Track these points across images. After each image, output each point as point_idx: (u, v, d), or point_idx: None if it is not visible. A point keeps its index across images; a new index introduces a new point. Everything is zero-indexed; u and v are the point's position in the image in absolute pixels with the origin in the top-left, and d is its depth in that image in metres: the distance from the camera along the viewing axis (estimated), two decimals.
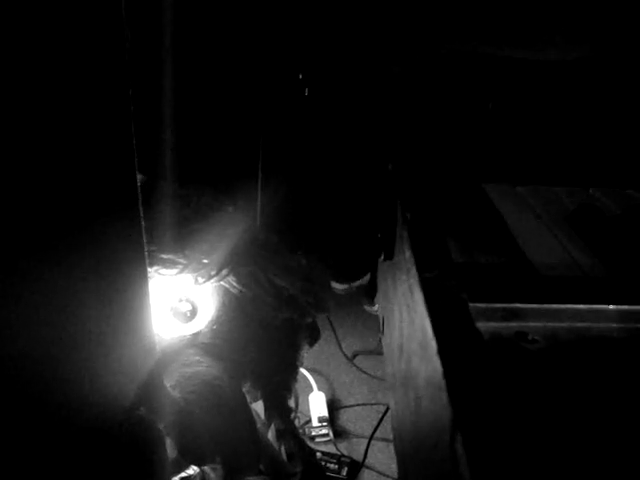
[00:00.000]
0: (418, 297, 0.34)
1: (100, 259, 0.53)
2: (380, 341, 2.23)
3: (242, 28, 1.17)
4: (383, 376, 2.12)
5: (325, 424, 1.79)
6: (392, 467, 1.78)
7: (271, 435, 1.04)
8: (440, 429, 0.26)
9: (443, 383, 0.26)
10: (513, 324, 0.33)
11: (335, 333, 2.21)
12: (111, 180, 0.54)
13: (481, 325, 0.32)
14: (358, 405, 1.99)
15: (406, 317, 0.39)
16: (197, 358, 0.96)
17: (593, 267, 0.40)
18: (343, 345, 2.20)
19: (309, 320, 1.14)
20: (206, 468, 0.85)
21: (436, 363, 0.28)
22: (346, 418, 1.94)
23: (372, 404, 2.00)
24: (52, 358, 0.52)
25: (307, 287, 1.13)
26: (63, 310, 0.52)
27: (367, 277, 2.51)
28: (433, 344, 0.29)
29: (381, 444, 1.84)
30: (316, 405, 1.84)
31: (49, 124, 0.44)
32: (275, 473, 1.00)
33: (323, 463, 1.66)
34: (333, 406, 1.95)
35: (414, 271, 0.36)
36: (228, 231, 1.09)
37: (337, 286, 2.36)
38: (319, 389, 1.93)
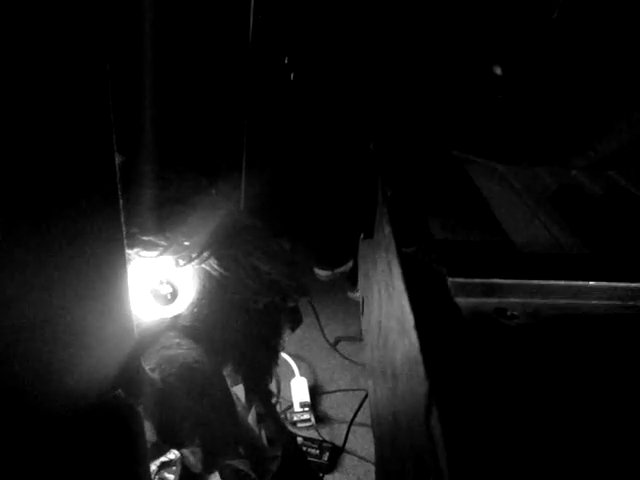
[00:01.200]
0: (396, 273, 0.33)
1: (78, 240, 0.52)
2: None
3: (228, 12, 1.15)
4: (365, 362, 2.12)
5: (307, 409, 1.80)
6: (372, 451, 1.79)
7: (251, 419, 1.03)
8: (416, 404, 0.26)
9: (420, 357, 0.26)
10: (493, 300, 0.32)
11: (318, 319, 2.21)
12: (89, 161, 0.53)
13: (460, 300, 0.31)
14: (340, 391, 1.99)
15: (384, 294, 0.38)
16: (177, 341, 0.96)
17: (574, 246, 0.39)
18: (326, 331, 2.20)
19: (291, 304, 1.13)
20: (185, 451, 0.84)
21: (413, 337, 0.27)
22: (328, 404, 1.94)
23: (354, 390, 2.00)
24: (28, 341, 0.51)
25: (289, 271, 1.12)
26: (40, 292, 0.51)
27: (350, 264, 2.52)
28: (410, 318, 0.28)
29: (362, 429, 1.84)
30: (298, 390, 1.84)
31: (24, 106, 0.43)
32: (255, 457, 0.99)
33: (305, 448, 1.66)
34: (315, 392, 1.95)
35: (393, 247, 0.35)
36: (210, 214, 1.08)
37: (320, 272, 2.36)
38: (301, 374, 1.93)
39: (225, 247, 1.05)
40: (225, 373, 1.02)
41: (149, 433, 0.83)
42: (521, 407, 0.25)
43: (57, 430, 0.60)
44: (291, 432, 1.22)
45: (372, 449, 1.66)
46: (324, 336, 2.19)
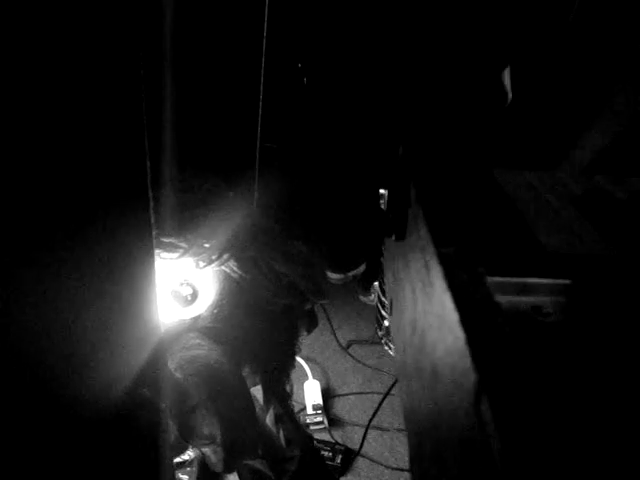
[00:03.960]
0: (436, 272, 0.34)
1: (111, 246, 0.53)
2: (376, 330, 2.24)
3: (241, 17, 1.16)
4: (377, 365, 2.13)
5: (320, 412, 1.80)
6: (385, 455, 1.80)
7: (269, 420, 1.04)
8: (462, 395, 0.27)
9: (467, 350, 0.27)
10: (528, 298, 0.33)
11: (330, 322, 2.22)
12: (122, 169, 0.54)
13: (498, 298, 0.32)
14: (352, 394, 2.00)
15: (421, 294, 0.39)
16: (197, 341, 0.97)
17: (602, 249, 0.40)
18: (338, 334, 2.21)
19: (308, 307, 1.14)
20: (206, 450, 0.85)
21: (458, 332, 0.28)
22: (340, 407, 1.95)
23: (366, 393, 2.01)
24: (62, 346, 0.52)
25: (307, 273, 1.13)
26: (72, 292, 0.52)
27: (362, 267, 2.52)
28: (454, 315, 0.29)
29: (375, 432, 1.85)
30: (311, 393, 1.85)
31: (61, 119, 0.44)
32: (273, 457, 1.00)
33: None
34: (328, 394, 1.96)
35: (431, 248, 0.36)
36: (229, 216, 1.09)
37: (332, 276, 2.36)
38: (314, 377, 1.94)
39: (244, 249, 1.06)
40: (243, 374, 1.03)
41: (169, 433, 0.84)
42: (563, 395, 0.26)
43: (83, 430, 0.61)
44: (309, 433, 1.23)
45: (384, 452, 1.67)
46: (336, 339, 2.20)
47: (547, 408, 0.23)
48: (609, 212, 0.47)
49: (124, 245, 0.58)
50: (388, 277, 0.58)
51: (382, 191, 1.98)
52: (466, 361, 0.26)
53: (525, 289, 0.33)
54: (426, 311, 0.36)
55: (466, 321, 0.28)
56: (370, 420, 1.10)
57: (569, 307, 0.32)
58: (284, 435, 1.04)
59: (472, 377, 0.25)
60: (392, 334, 0.53)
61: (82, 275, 0.54)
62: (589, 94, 0.66)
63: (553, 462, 0.21)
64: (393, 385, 0.92)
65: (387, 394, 0.97)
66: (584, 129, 0.61)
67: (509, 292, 0.33)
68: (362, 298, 2.45)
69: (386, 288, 0.60)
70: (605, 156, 0.58)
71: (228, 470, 0.88)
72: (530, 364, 0.26)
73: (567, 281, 0.34)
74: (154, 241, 0.66)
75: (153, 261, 0.65)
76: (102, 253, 0.55)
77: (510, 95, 1.10)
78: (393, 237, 0.50)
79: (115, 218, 0.55)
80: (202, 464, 1.15)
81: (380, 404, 1.01)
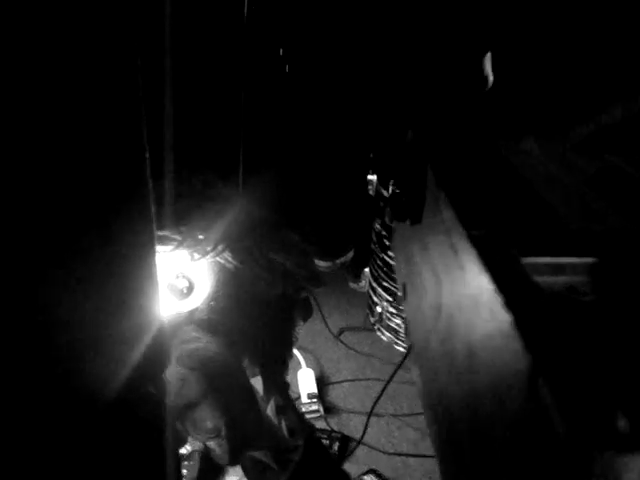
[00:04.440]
0: (467, 255, 0.33)
1: (111, 239, 0.52)
2: (368, 317, 2.24)
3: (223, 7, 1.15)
4: (370, 352, 2.13)
5: (315, 400, 1.80)
6: (382, 441, 1.80)
7: (270, 410, 1.03)
8: (509, 378, 0.26)
9: (515, 333, 0.26)
10: (562, 278, 0.32)
11: (320, 310, 2.21)
12: (123, 163, 0.53)
13: (535, 279, 0.31)
14: (346, 381, 2.00)
15: (446, 277, 0.38)
16: (195, 334, 0.95)
17: (622, 225, 0.39)
18: (329, 322, 2.21)
19: (304, 295, 1.14)
20: (211, 443, 0.84)
21: (502, 315, 0.27)
22: (335, 394, 1.95)
23: (360, 380, 2.01)
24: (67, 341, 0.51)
25: (303, 262, 1.12)
26: (77, 291, 0.51)
27: (350, 254, 2.52)
28: (496, 297, 0.28)
29: (371, 419, 1.85)
30: (305, 382, 1.84)
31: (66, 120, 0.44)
32: (276, 448, 0.99)
33: None
34: (322, 383, 1.96)
35: (459, 230, 0.35)
36: (223, 207, 1.08)
37: (320, 263, 2.35)
38: (307, 366, 1.93)
39: (239, 240, 1.05)
40: (243, 365, 1.02)
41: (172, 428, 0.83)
42: (614, 372, 0.25)
43: (86, 426, 0.60)
44: (310, 423, 1.23)
45: (382, 438, 1.67)
46: (327, 327, 2.20)
47: (602, 388, 0.22)
48: (623, 189, 0.46)
49: (124, 238, 0.57)
50: (399, 262, 0.57)
51: (370, 177, 1.98)
52: (515, 344, 0.25)
53: (559, 269, 0.32)
54: (454, 294, 0.36)
55: (510, 303, 0.27)
56: (372, 407, 1.10)
57: (603, 285, 0.32)
58: (286, 425, 1.03)
59: (525, 360, 0.24)
60: (407, 318, 0.52)
61: (86, 274, 0.53)
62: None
63: (617, 442, 0.21)
64: (395, 371, 0.91)
65: (389, 381, 0.97)
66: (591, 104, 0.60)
67: (543, 272, 0.32)
68: (352, 285, 2.45)
69: (397, 274, 0.59)
70: (611, 133, 0.57)
71: (233, 462, 0.88)
72: (579, 344, 0.25)
73: (597, 259, 0.33)
74: (154, 233, 0.64)
75: (154, 253, 0.63)
76: (102, 245, 0.54)
77: (491, 79, 1.09)
78: (408, 222, 0.49)
79: (116, 212, 0.54)
80: (203, 457, 1.14)
81: (383, 391, 1.01)
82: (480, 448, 0.32)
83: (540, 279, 0.32)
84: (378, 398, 1.05)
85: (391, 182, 1.78)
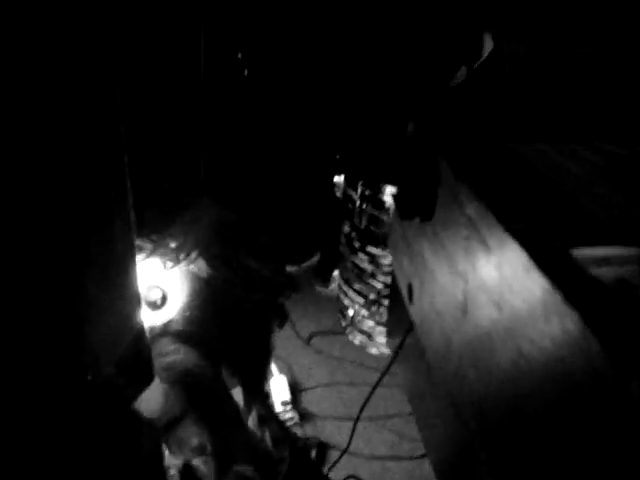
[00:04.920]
0: (508, 250, 0.30)
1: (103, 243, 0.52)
2: (339, 320, 2.22)
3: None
4: (341, 355, 2.11)
5: (289, 408, 1.77)
6: (360, 445, 1.78)
7: (252, 422, 0.99)
8: (576, 380, 0.24)
9: (586, 331, 0.23)
10: (608, 269, 0.30)
11: (289, 316, 2.17)
12: (104, 172, 0.53)
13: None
14: (319, 386, 1.97)
15: (474, 275, 0.36)
16: (173, 347, 0.91)
17: None
18: (298, 327, 2.18)
19: (282, 301, 1.11)
20: (196, 461, 0.80)
21: (565, 312, 0.25)
22: (308, 400, 1.92)
23: (333, 384, 1.99)
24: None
25: (278, 267, 1.09)
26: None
27: (315, 258, 2.50)
28: (553, 294, 0.26)
29: (347, 424, 1.83)
30: (278, 389, 1.81)
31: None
32: (260, 461, 0.96)
33: None
34: (294, 389, 1.93)
35: (493, 224, 0.32)
36: (195, 214, 1.05)
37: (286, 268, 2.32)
38: (279, 373, 1.90)
39: (212, 247, 1.01)
40: (222, 377, 0.98)
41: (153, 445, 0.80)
42: None
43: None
44: (293, 432, 1.19)
45: (360, 443, 1.65)
46: (297, 333, 2.17)
47: None
48: (633, 179, 0.44)
49: (104, 245, 0.55)
50: (400, 262, 0.54)
51: (336, 179, 1.95)
52: (585, 343, 0.23)
53: (604, 260, 0.30)
54: (487, 292, 0.33)
55: (572, 299, 0.24)
56: (359, 413, 1.07)
57: None
58: (270, 436, 0.99)
59: (606, 360, 0.21)
60: (416, 320, 0.50)
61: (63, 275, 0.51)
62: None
63: None
64: (383, 375, 0.89)
65: (375, 387, 0.94)
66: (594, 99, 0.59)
67: (587, 264, 0.29)
68: (319, 289, 2.43)
69: (397, 274, 0.56)
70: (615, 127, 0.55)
71: (221, 479, 0.84)
72: None
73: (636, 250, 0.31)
74: (134, 241, 0.62)
75: (134, 261, 0.61)
76: (82, 253, 0.52)
77: (485, 54, 1.08)
78: (417, 219, 0.46)
79: (95, 218, 0.53)
80: (183, 475, 1.09)
81: (371, 393, 0.98)
82: (530, 452, 0.29)
83: (591, 271, 0.29)
84: (365, 403, 1.02)
85: (360, 183, 1.76)
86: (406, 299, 0.54)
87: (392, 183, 1.70)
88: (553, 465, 0.29)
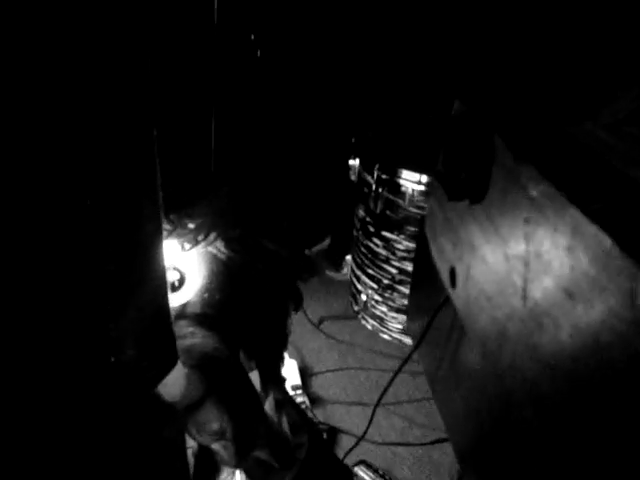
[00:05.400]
0: (583, 232, 0.28)
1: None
2: (351, 305, 2.20)
3: None
4: (351, 340, 2.10)
5: (299, 392, 1.76)
6: (370, 431, 1.76)
7: (268, 407, 0.98)
8: None
9: None
10: None
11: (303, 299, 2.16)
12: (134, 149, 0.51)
13: None
14: (329, 371, 1.96)
15: (536, 261, 0.34)
16: (190, 329, 0.90)
17: None
18: (308, 312, 2.16)
19: (302, 283, 1.09)
20: (216, 446, 0.79)
21: None
22: (318, 385, 1.91)
23: (343, 369, 1.98)
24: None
25: (297, 250, 1.07)
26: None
27: (326, 242, 2.48)
28: None
29: (357, 409, 1.82)
30: (289, 373, 1.80)
31: None
32: (277, 446, 0.95)
33: None
34: (304, 373, 1.92)
35: (563, 205, 0.30)
36: (212, 195, 1.03)
37: None
38: (289, 357, 1.89)
39: (230, 228, 0.99)
40: (240, 361, 0.96)
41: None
42: None
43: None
44: (310, 417, 1.18)
45: (370, 429, 1.64)
46: (307, 317, 2.15)
47: None
48: None
49: (134, 223, 0.54)
50: (442, 247, 0.52)
51: (352, 162, 1.93)
52: None
53: None
54: (552, 277, 0.31)
55: None
56: (379, 400, 1.05)
57: None
58: (287, 421, 0.98)
59: None
60: (460, 306, 0.48)
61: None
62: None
63: None
64: (405, 362, 0.87)
65: (398, 371, 0.92)
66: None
67: None
68: (329, 274, 2.41)
69: (437, 258, 0.54)
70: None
71: (240, 465, 0.82)
72: None
73: None
74: (162, 219, 0.61)
75: (161, 240, 0.60)
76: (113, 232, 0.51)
77: None
78: (466, 201, 0.44)
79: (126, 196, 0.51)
80: (197, 458, 1.09)
81: (391, 381, 0.96)
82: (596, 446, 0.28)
83: None
84: (384, 391, 1.00)
85: (376, 167, 1.74)
86: (447, 284, 0.52)
87: (410, 168, 1.68)
88: (623, 455, 0.27)
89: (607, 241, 0.27)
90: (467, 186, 0.44)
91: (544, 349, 0.33)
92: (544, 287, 0.33)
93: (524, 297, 0.35)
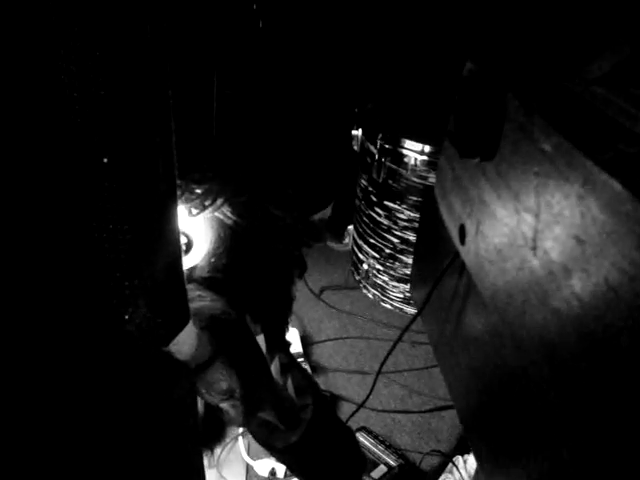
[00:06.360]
0: (594, 181, 0.30)
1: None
2: (352, 275, 2.22)
3: None
4: (352, 310, 2.12)
5: (301, 360, 1.78)
6: (370, 398, 1.79)
7: (274, 369, 1.00)
8: None
9: None
10: None
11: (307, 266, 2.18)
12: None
13: None
14: (330, 340, 1.99)
15: (546, 211, 0.35)
16: (198, 293, 0.91)
17: None
18: (309, 281, 2.18)
19: (306, 249, 1.10)
20: (225, 405, 0.81)
21: None
22: (319, 353, 1.93)
23: (344, 338, 2.00)
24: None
25: (303, 216, 1.08)
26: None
27: (328, 211, 2.49)
28: None
29: (357, 377, 1.84)
30: (290, 341, 1.81)
31: None
32: (283, 408, 0.97)
33: None
34: (305, 342, 1.94)
35: (574, 155, 0.32)
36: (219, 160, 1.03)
37: None
38: (291, 326, 1.90)
39: (237, 194, 1.00)
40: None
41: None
42: None
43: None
44: (315, 380, 1.20)
45: (371, 397, 1.66)
46: (308, 286, 2.17)
47: None
48: None
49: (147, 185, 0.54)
50: (451, 205, 0.54)
51: (354, 132, 1.93)
52: None
53: None
54: (563, 225, 0.32)
55: None
56: (380, 369, 1.07)
57: None
58: (292, 384, 1.00)
59: None
60: (470, 262, 0.49)
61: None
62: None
63: None
64: (405, 330, 0.89)
65: (398, 340, 0.94)
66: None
67: None
68: (331, 244, 2.42)
69: (446, 216, 0.55)
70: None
71: (247, 425, 0.84)
72: None
73: None
74: (176, 181, 0.61)
75: (176, 201, 0.60)
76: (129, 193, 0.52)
77: None
78: (477, 159, 0.45)
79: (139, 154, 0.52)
80: (203, 421, 1.11)
81: (390, 351, 0.98)
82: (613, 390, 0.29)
83: None
84: (385, 359, 1.02)
85: (379, 136, 1.74)
86: (457, 241, 0.53)
87: (413, 138, 1.68)
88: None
89: (617, 187, 0.28)
90: (479, 143, 0.45)
91: (554, 295, 0.35)
92: (554, 236, 0.35)
93: (534, 247, 0.37)
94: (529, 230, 0.37)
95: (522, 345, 0.39)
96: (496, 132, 0.43)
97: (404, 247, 1.91)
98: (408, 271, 1.91)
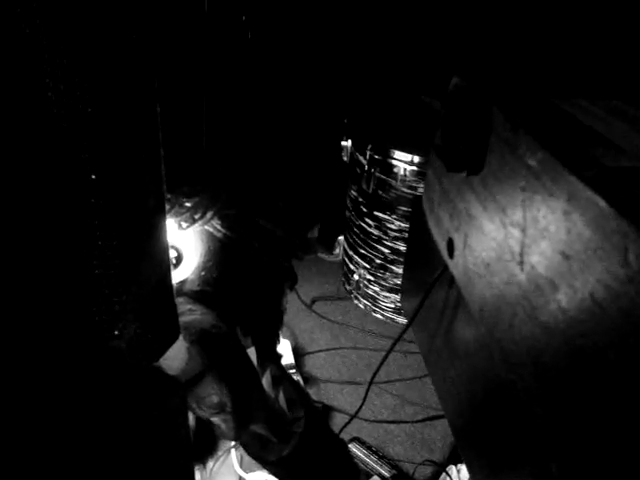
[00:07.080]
0: (578, 197, 0.30)
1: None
2: (343, 285, 2.22)
3: None
4: (343, 320, 2.12)
5: (293, 371, 1.78)
6: (363, 409, 1.79)
7: (265, 382, 1.00)
8: None
9: None
10: None
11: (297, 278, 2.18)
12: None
13: None
14: (322, 351, 1.98)
15: (533, 226, 0.35)
16: (189, 307, 0.91)
17: None
18: (300, 292, 2.18)
19: (297, 261, 1.10)
20: (216, 419, 0.80)
21: None
22: (311, 364, 1.93)
23: (336, 349, 2.00)
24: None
25: (293, 228, 1.08)
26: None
27: (316, 229, 2.48)
28: (635, 235, 0.25)
29: (349, 388, 1.84)
30: (282, 353, 1.81)
31: None
32: (275, 421, 0.96)
33: None
34: (297, 353, 1.94)
35: (559, 172, 0.32)
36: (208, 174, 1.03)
37: None
38: (282, 337, 1.90)
39: (227, 207, 1.00)
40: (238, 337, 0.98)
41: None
42: None
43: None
44: (307, 392, 1.20)
45: (363, 407, 1.66)
46: (299, 297, 2.17)
47: None
48: None
49: (136, 199, 0.54)
50: (439, 218, 0.54)
51: (344, 143, 1.93)
52: None
53: None
54: (549, 240, 0.33)
55: None
56: (372, 378, 1.07)
57: None
58: (284, 396, 1.00)
59: None
60: (458, 275, 0.49)
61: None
62: None
63: None
64: (397, 340, 0.89)
65: (390, 350, 0.94)
66: None
67: None
68: (321, 255, 2.42)
69: (434, 230, 0.56)
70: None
71: (239, 438, 0.84)
72: None
73: None
74: (165, 196, 0.61)
75: (164, 217, 0.60)
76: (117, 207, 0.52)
77: None
78: (463, 173, 0.46)
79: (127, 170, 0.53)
80: (194, 432, 1.10)
81: (383, 361, 0.98)
82: (599, 407, 0.29)
83: None
84: (377, 370, 1.02)
85: (368, 147, 1.75)
86: (445, 255, 0.53)
87: (402, 148, 1.69)
88: (625, 417, 0.29)
89: (602, 203, 0.29)
90: (465, 157, 0.45)
91: (541, 309, 0.35)
92: (540, 251, 0.35)
93: (521, 262, 0.37)
94: (516, 244, 0.38)
95: (510, 359, 0.40)
96: (482, 146, 0.44)
97: (395, 257, 1.91)
98: (399, 281, 1.92)
